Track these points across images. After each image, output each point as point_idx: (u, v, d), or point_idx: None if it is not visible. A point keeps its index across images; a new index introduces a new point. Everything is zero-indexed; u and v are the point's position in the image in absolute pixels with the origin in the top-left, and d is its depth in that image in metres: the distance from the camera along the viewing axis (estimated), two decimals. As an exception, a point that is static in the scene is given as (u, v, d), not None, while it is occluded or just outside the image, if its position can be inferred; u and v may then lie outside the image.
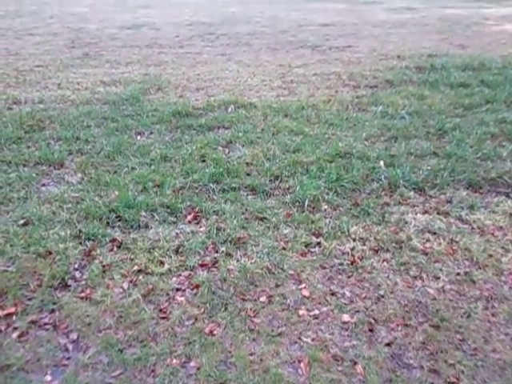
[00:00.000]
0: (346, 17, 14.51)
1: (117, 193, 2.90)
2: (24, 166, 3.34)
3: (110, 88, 5.42)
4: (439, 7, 19.63)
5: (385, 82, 5.65)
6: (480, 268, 2.31)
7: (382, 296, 2.11)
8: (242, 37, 9.68)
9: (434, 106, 4.70)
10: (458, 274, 2.27)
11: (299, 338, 1.87)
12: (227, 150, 3.64)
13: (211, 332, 1.88)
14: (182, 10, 15.63)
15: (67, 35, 9.62)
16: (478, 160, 3.46)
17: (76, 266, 2.25)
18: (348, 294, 2.13)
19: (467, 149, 3.62)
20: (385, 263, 2.34)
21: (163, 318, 1.95)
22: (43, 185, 3.10)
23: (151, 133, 4.02)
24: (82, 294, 2.06)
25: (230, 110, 4.57)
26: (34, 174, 3.20)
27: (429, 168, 3.32)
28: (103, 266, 2.24)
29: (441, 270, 2.30)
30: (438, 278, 2.24)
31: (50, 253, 2.32)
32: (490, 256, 2.40)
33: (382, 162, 3.37)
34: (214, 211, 2.76)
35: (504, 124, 4.16)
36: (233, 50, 8.17)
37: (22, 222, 2.59)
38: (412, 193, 3.03)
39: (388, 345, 1.84)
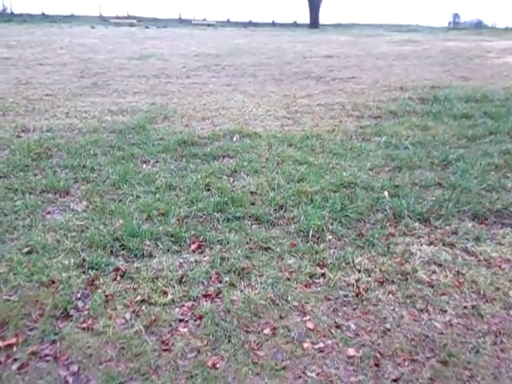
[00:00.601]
0: (349, 49, 14.84)
1: (121, 221, 2.91)
2: (30, 193, 3.36)
3: (117, 117, 5.51)
4: (441, 40, 20.07)
5: (388, 112, 5.73)
6: (487, 301, 2.27)
7: (388, 329, 2.07)
8: (248, 68, 9.89)
9: (438, 136, 4.74)
10: (465, 307, 2.24)
11: (303, 373, 1.83)
12: (232, 179, 3.66)
13: (214, 365, 1.84)
14: (190, 42, 16.05)
15: (76, 65, 9.87)
16: (482, 191, 3.46)
17: (79, 295, 2.23)
18: (353, 326, 2.09)
19: (472, 180, 3.63)
20: (390, 295, 2.31)
21: (165, 350, 1.92)
22: (48, 213, 3.11)
23: (157, 161, 4.06)
24: (84, 325, 2.04)
25: (234, 139, 4.63)
26: (39, 202, 3.21)
27: (433, 199, 3.31)
28: (106, 296, 2.22)
29: (447, 303, 2.26)
30: (445, 311, 2.20)
31: (53, 282, 2.30)
32: (498, 289, 2.36)
33: (386, 193, 3.38)
34: (218, 240, 2.75)
35: (508, 155, 4.17)
36: (238, 80, 8.34)
37: (26, 250, 2.59)
38: (417, 223, 3.01)
39: (395, 381, 1.80)
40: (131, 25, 27.60)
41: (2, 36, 15.58)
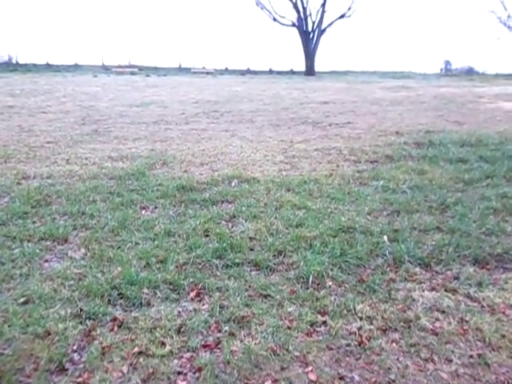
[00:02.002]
0: (344, 95, 15.25)
1: (120, 269, 2.88)
2: (28, 241, 3.34)
3: (116, 163, 5.58)
4: (434, 86, 20.68)
5: (385, 157, 5.81)
6: (493, 350, 2.22)
7: (393, 380, 2.01)
8: (246, 114, 10.12)
9: (435, 180, 4.79)
10: (471, 356, 2.18)
11: (307, 429, 1.75)
12: (230, 225, 3.66)
13: (213, 422, 1.77)
14: (189, 89, 16.50)
15: (78, 113, 10.09)
16: (482, 235, 3.45)
17: (75, 347, 2.18)
18: (357, 377, 2.03)
19: (471, 224, 3.63)
20: (394, 344, 2.25)
21: (163, 405, 1.85)
22: (46, 261, 3.08)
23: (156, 207, 4.07)
24: (80, 379, 1.97)
25: (233, 184, 4.67)
26: (37, 250, 3.19)
27: (433, 243, 3.31)
28: (103, 348, 2.16)
29: (452, 351, 2.21)
30: (451, 360, 2.14)
31: (49, 333, 2.25)
32: (503, 336, 2.31)
33: (385, 237, 3.37)
34: (218, 288, 2.71)
35: (506, 199, 4.20)
36: (236, 126, 8.51)
37: (22, 300, 2.54)
38: (418, 269, 2.99)
39: None
40: (132, 73, 28.46)
41: (6, 85, 16.02)
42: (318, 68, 41.69)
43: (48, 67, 30.19)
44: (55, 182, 4.79)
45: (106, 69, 31.41)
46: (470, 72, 51.50)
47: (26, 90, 14.82)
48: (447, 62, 53.86)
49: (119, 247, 3.24)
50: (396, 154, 5.95)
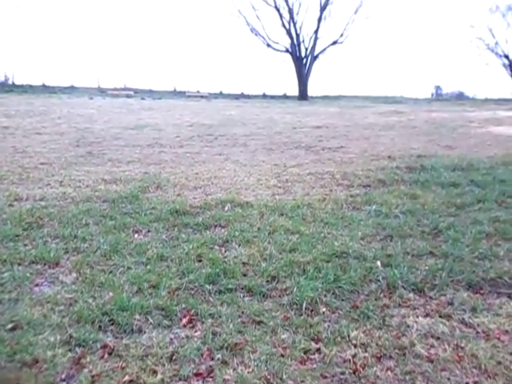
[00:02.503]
0: (337, 119, 15.46)
1: (111, 294, 2.84)
2: (19, 264, 3.30)
3: (110, 186, 5.57)
4: (425, 111, 21.02)
5: (377, 181, 5.86)
6: (490, 377, 2.20)
7: (388, 410, 1.98)
8: (239, 138, 10.20)
9: (427, 205, 4.82)
10: (467, 383, 2.16)
11: None
12: (224, 250, 3.64)
13: None
14: (184, 113, 16.64)
15: (73, 134, 10.12)
16: (475, 259, 3.46)
17: (63, 376, 2.12)
18: (351, 407, 1.99)
19: (463, 248, 3.64)
20: (389, 372, 2.22)
21: None
22: (36, 285, 3.04)
23: (148, 231, 4.05)
24: (67, 409, 1.92)
25: (226, 208, 4.66)
26: (28, 274, 3.15)
27: (427, 268, 3.31)
28: (92, 376, 2.11)
29: (448, 379, 2.18)
30: (446, 389, 2.12)
31: (37, 361, 2.20)
32: (499, 363, 2.29)
33: (379, 262, 3.37)
34: (210, 314, 2.68)
35: (498, 223, 4.23)
36: (230, 150, 8.56)
37: (10, 326, 2.49)
38: (411, 294, 2.98)
39: None
40: (128, 96, 28.68)
41: (2, 105, 16.07)
42: (310, 93, 42.34)
43: (44, 88, 30.38)
44: (48, 204, 4.76)
45: (101, 91, 31.66)
46: (460, 97, 52.57)
47: (21, 110, 14.87)
48: (438, 87, 54.99)
49: (111, 272, 3.21)
50: (388, 178, 6.00)
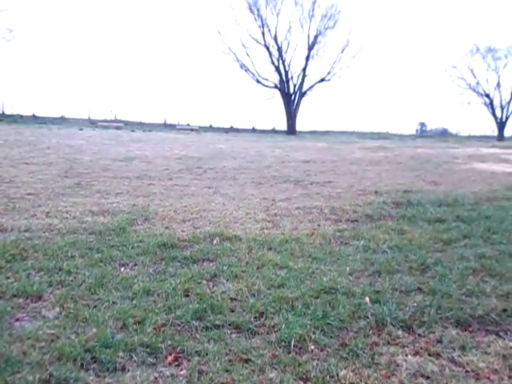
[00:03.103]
0: (325, 154, 15.69)
1: (95, 330, 2.77)
2: (0, 298, 3.21)
3: (97, 218, 5.52)
4: (410, 147, 21.49)
5: (365, 216, 5.90)
6: (479, 419, 2.16)
7: None
8: (229, 171, 10.26)
9: (414, 240, 4.85)
10: (457, 426, 2.12)
11: None
12: (211, 284, 3.59)
13: None
14: (173, 145, 16.75)
15: (62, 165, 10.08)
16: (463, 296, 3.47)
17: (41, 417, 2.04)
18: None
19: (451, 284, 3.65)
20: (378, 413, 2.18)
21: None
22: (17, 320, 2.94)
23: (135, 264, 3.99)
24: None
25: (215, 242, 4.64)
26: (8, 308, 3.06)
27: (415, 305, 3.29)
28: (72, 418, 2.03)
29: (438, 421, 2.14)
30: (437, 431, 2.07)
31: (14, 401, 2.11)
32: (489, 404, 2.27)
33: (367, 299, 3.35)
34: (197, 351, 2.61)
35: (484, 259, 4.26)
36: (219, 183, 8.59)
37: (-13, 363, 2.40)
38: (400, 331, 2.95)
39: None
40: (118, 128, 28.87)
41: (-10, 136, 16.02)
42: (299, 127, 43.11)
43: (34, 119, 30.46)
44: (33, 235, 4.68)
45: (91, 122, 31.84)
46: (444, 133, 53.97)
47: (10, 140, 14.83)
48: (422, 124, 56.48)
49: (95, 306, 3.13)
50: (376, 213, 6.05)
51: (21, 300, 3.22)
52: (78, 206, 6.16)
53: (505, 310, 3.24)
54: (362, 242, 4.74)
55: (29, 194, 6.77)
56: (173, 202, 6.60)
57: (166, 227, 5.21)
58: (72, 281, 3.56)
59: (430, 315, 3.14)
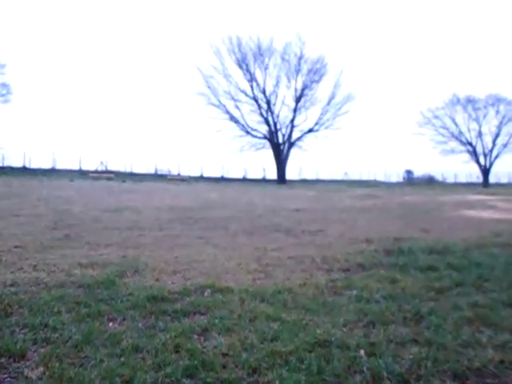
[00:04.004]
0: (315, 203, 15.81)
1: (80, 391, 2.65)
2: (-19, 358, 3.08)
3: (86, 270, 5.42)
4: (398, 194, 21.77)
5: (356, 265, 5.88)
6: None
7: None
8: (220, 221, 10.25)
9: (407, 289, 4.82)
10: None
11: None
12: (203, 339, 3.49)
13: None
14: (164, 195, 16.80)
15: (51, 217, 10.00)
16: (459, 347, 3.40)
17: None
18: None
19: (446, 335, 3.60)
20: None
21: None
22: (-2, 381, 2.82)
23: (124, 319, 3.88)
24: None
25: (206, 294, 4.56)
26: (-10, 369, 2.93)
27: (411, 357, 3.22)
28: None
29: None
30: None
31: None
32: None
33: (362, 351, 3.27)
34: (187, 412, 2.50)
35: (477, 308, 4.23)
36: (210, 233, 8.56)
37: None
38: (397, 386, 2.87)
39: None
40: (109, 179, 28.98)
41: (-21, 188, 15.96)
42: (289, 176, 43.70)
43: (24, 170, 30.51)
44: (19, 290, 4.56)
45: (82, 173, 31.96)
46: (430, 181, 54.97)
47: (-2, 193, 14.76)
48: (408, 172, 57.58)
49: (81, 365, 3.01)
50: (367, 262, 6.03)
51: (3, 360, 3.09)
52: (67, 258, 6.06)
53: (502, 362, 3.18)
54: (354, 291, 4.69)
55: (16, 247, 6.66)
56: (163, 253, 6.53)
57: (157, 279, 5.12)
58: (57, 338, 3.44)
59: (427, 368, 3.07)
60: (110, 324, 3.76)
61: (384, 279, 5.19)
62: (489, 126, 54.25)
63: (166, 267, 5.68)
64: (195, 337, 3.52)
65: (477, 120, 54.19)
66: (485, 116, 53.97)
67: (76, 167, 36.47)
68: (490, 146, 54.38)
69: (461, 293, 4.73)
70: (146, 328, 3.68)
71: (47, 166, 34.94)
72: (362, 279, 5.19)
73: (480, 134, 54.45)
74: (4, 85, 36.50)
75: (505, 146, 54.25)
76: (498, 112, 53.45)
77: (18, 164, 33.83)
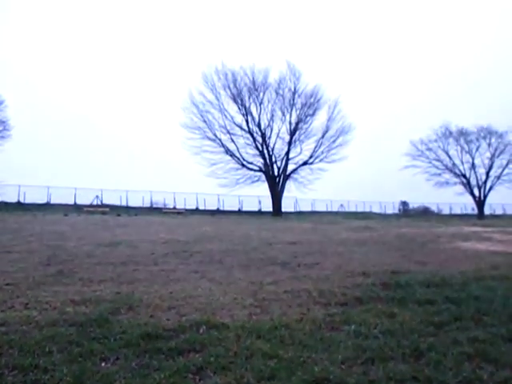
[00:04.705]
0: (311, 235, 15.76)
1: None
2: (-32, 402, 2.98)
3: (79, 308, 5.31)
4: (394, 226, 21.77)
5: (354, 299, 5.80)
6: None
7: None
8: (215, 254, 10.17)
9: (406, 324, 4.75)
10: None
11: None
12: (198, 378, 3.40)
13: None
14: (159, 229, 16.71)
15: (44, 252, 9.88)
16: (460, 385, 3.33)
17: None
18: None
19: (447, 372, 3.52)
20: None
21: None
22: (-15, 427, 2.71)
23: (117, 358, 3.78)
24: None
25: (201, 331, 4.47)
26: (-23, 413, 2.82)
27: (412, 395, 3.15)
28: None
29: None
30: None
31: None
32: None
33: (362, 390, 3.19)
34: None
35: (477, 343, 4.16)
36: (206, 267, 8.47)
37: None
38: (399, 426, 2.79)
39: None
40: (104, 213, 28.88)
41: (-28, 224, 15.82)
42: (284, 208, 43.72)
43: (19, 206, 30.38)
44: (9, 329, 4.46)
45: (77, 208, 31.85)
46: (426, 212, 55.15)
47: (-8, 228, 14.62)
48: (404, 203, 57.81)
49: (72, 408, 2.92)
50: (365, 295, 5.96)
51: (-9, 403, 2.99)
52: (59, 295, 5.96)
53: (504, 399, 3.11)
54: (352, 326, 4.62)
55: (8, 285, 6.55)
56: (158, 289, 6.44)
57: (151, 316, 5.02)
58: (48, 379, 3.34)
59: (428, 406, 2.99)
60: (103, 364, 3.67)
61: (382, 313, 5.12)
62: (482, 158, 55.00)
63: (160, 303, 5.58)
64: (190, 376, 3.43)
65: (470, 152, 55.00)
66: (477, 148, 54.83)
67: (71, 201, 36.37)
68: (483, 177, 54.97)
69: (460, 327, 4.67)
70: (140, 367, 3.58)
71: (42, 200, 34.83)
72: (359, 313, 5.12)
73: (473, 166, 55.15)
74: (1, 121, 36.82)
75: (498, 177, 54.84)
76: (489, 145, 54.34)
77: (12, 199, 33.71)
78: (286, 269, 8.37)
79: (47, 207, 30.28)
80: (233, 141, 43.84)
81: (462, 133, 54.38)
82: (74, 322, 4.70)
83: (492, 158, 54.46)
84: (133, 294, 6.02)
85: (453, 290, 6.27)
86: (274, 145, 44.56)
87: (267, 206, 44.29)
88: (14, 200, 33.62)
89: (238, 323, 4.72)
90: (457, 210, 57.54)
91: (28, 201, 33.99)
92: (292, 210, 46.47)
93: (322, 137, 44.97)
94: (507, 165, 54.14)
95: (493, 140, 54.03)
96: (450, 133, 54.78)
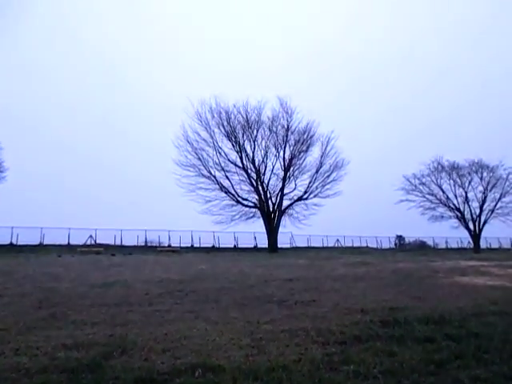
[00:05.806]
0: (307, 271, 15.62)
1: None
2: None
3: (71, 352, 5.17)
4: (391, 261, 21.65)
5: (352, 337, 5.70)
6: None
7: None
8: (211, 293, 10.02)
9: (405, 362, 4.65)
10: None
11: None
12: (193, 425, 3.28)
13: None
14: (154, 268, 16.51)
15: (36, 295, 9.69)
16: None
17: None
18: None
19: (450, 414, 3.43)
20: None
21: None
22: None
23: (110, 405, 3.66)
24: None
25: (197, 374, 4.35)
26: None
27: None
28: None
29: None
30: None
31: None
32: None
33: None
34: None
35: (479, 382, 4.07)
36: (201, 306, 8.33)
37: None
38: None
39: None
40: (97, 253, 28.57)
41: (-37, 266, 15.56)
42: (280, 244, 43.46)
43: (11, 247, 30.02)
44: (-2, 377, 4.32)
45: (71, 248, 31.51)
46: (422, 246, 54.98)
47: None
48: (400, 237, 57.66)
49: None
50: (363, 333, 5.86)
51: None
52: (51, 339, 5.80)
53: None
54: (351, 366, 4.51)
55: (-2, 330, 6.38)
56: (152, 330, 6.29)
57: (145, 359, 4.89)
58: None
59: None
60: (95, 412, 3.54)
61: (381, 352, 5.02)
62: (475, 192, 55.44)
63: (155, 345, 5.45)
64: (185, 423, 3.31)
65: (463, 186, 55.50)
66: (470, 182, 55.37)
67: (64, 242, 36.01)
68: (477, 211, 55.24)
69: (461, 366, 4.57)
70: (133, 415, 3.46)
71: (35, 241, 34.46)
72: (358, 353, 5.01)
73: (467, 200, 55.50)
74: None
75: (492, 211, 55.11)
76: (482, 178, 54.93)
77: (5, 241, 33.34)
78: (283, 307, 8.24)
79: (40, 248, 29.93)
80: (227, 178, 44.09)
81: (454, 167, 55.05)
82: (66, 368, 4.57)
83: (485, 192, 54.93)
84: (126, 337, 5.88)
85: (452, 327, 6.18)
86: (269, 181, 44.84)
87: (263, 241, 44.04)
88: (7, 242, 33.26)
89: (235, 365, 4.60)
90: (453, 244, 57.46)
91: (21, 242, 33.62)
92: (288, 245, 46.20)
93: (316, 172, 45.39)
94: (500, 198, 54.56)
95: (485, 174, 54.68)
96: (442, 167, 55.45)
